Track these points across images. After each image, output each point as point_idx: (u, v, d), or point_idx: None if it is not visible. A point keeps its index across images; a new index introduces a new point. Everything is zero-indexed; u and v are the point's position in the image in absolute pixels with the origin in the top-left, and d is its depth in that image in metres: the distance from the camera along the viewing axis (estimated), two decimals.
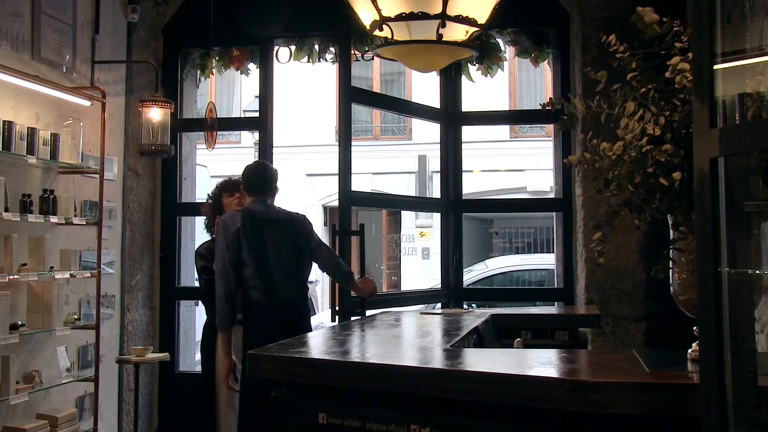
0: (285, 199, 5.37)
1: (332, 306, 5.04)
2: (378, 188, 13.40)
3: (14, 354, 3.85)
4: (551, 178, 6.21)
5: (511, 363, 2.31)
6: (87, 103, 4.57)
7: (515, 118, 10.95)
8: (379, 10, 2.86)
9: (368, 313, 4.54)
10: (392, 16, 2.86)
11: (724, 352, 1.47)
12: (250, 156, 11.52)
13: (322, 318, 8.26)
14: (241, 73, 5.66)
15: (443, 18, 2.82)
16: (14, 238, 3.87)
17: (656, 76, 2.10)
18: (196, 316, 5.76)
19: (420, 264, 14.21)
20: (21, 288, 4.02)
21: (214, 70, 5.55)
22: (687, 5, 2.00)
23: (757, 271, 1.65)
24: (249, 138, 13.54)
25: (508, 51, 5.66)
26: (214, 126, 5.37)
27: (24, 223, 3.92)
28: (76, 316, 4.44)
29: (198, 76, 5.70)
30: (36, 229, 4.13)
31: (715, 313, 1.47)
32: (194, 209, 5.47)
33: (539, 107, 2.60)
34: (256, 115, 5.68)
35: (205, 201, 4.55)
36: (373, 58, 5.15)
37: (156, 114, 4.75)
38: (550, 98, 5.41)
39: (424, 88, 9.58)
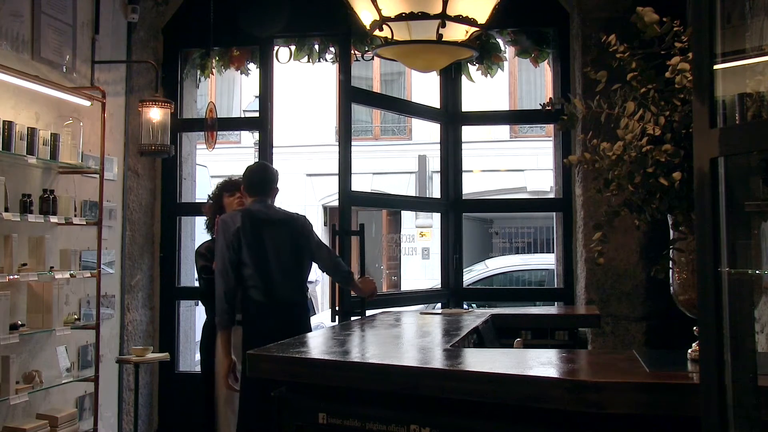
0: (285, 199, 5.37)
1: (332, 306, 5.04)
2: (378, 188, 13.40)
3: (14, 354, 3.85)
4: (551, 178, 6.21)
5: (511, 363, 2.31)
6: (87, 103, 4.57)
7: (515, 118, 10.95)
8: (379, 10, 2.86)
9: (368, 313, 4.54)
10: (392, 16, 2.86)
11: (724, 352, 1.47)
12: (250, 156, 11.52)
13: (322, 318, 8.26)
14: (241, 73, 5.66)
15: (443, 18, 2.82)
16: (14, 238, 3.87)
17: (656, 76, 2.10)
18: (196, 316, 5.76)
19: (420, 264, 14.21)
20: (21, 288, 4.02)
21: (214, 70, 5.55)
22: (687, 5, 2.01)
23: (757, 271, 1.65)
24: (249, 138, 13.54)
25: (508, 51, 5.66)
26: (215, 126, 5.37)
27: (24, 223, 3.92)
28: (76, 316, 4.44)
29: (198, 76, 5.70)
30: (36, 229, 4.13)
31: (715, 313, 1.47)
32: (194, 209, 5.47)
33: (539, 107, 2.60)
34: (256, 115, 5.68)
35: (205, 201, 4.55)
36: (373, 58, 5.15)
37: (156, 114, 4.75)
38: (550, 98, 5.42)
39: (424, 88, 9.58)
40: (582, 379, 1.91)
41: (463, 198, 5.70)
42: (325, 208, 14.54)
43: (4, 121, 3.79)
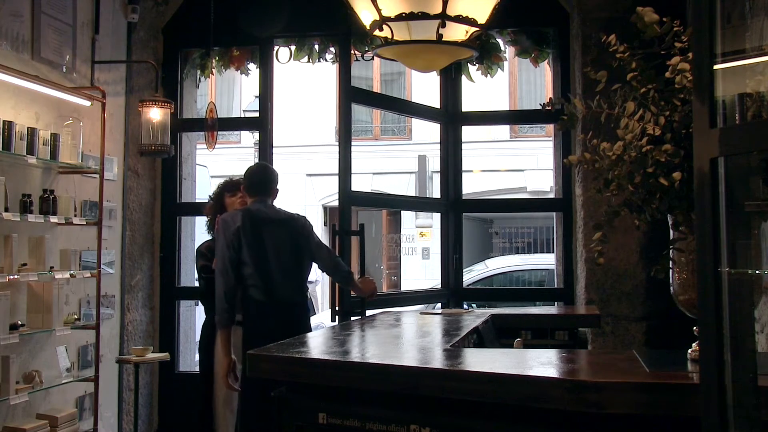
0: (285, 199, 5.36)
1: (332, 306, 5.04)
2: (378, 188, 13.40)
3: (14, 354, 3.85)
4: (551, 178, 6.21)
5: (511, 363, 2.31)
6: (87, 103, 4.57)
7: (515, 118, 10.94)
8: (379, 10, 2.86)
9: (368, 313, 4.54)
10: (392, 16, 2.86)
11: (724, 352, 1.47)
12: (250, 156, 11.53)
13: (322, 318, 8.26)
14: (241, 73, 5.66)
15: (443, 18, 2.82)
16: (14, 238, 3.87)
17: (656, 76, 2.10)
18: (196, 316, 5.76)
19: (420, 264, 14.21)
20: (21, 288, 4.02)
21: (214, 70, 5.55)
22: (687, 5, 2.01)
23: (757, 271, 1.65)
24: (249, 138, 13.54)
25: (508, 51, 5.66)
26: (215, 126, 5.37)
27: (24, 223, 3.92)
28: (76, 316, 4.44)
29: (198, 76, 5.70)
30: (36, 229, 4.13)
31: (715, 313, 1.47)
32: (194, 209, 5.47)
33: (539, 107, 2.60)
34: (256, 115, 5.68)
35: (206, 201, 4.55)
36: (373, 58, 5.15)
37: (156, 114, 4.75)
38: (550, 98, 5.42)
39: (424, 88, 9.58)
40: (582, 379, 1.91)
41: (463, 198, 5.70)
42: (325, 208, 14.54)
43: (4, 121, 3.79)
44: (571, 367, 2.23)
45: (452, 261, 5.53)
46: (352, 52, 5.11)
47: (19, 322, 3.91)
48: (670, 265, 2.12)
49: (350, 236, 4.89)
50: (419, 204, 9.17)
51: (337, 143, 5.02)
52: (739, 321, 1.52)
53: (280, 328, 3.49)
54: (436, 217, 8.92)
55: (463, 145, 5.62)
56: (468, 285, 7.47)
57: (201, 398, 4.24)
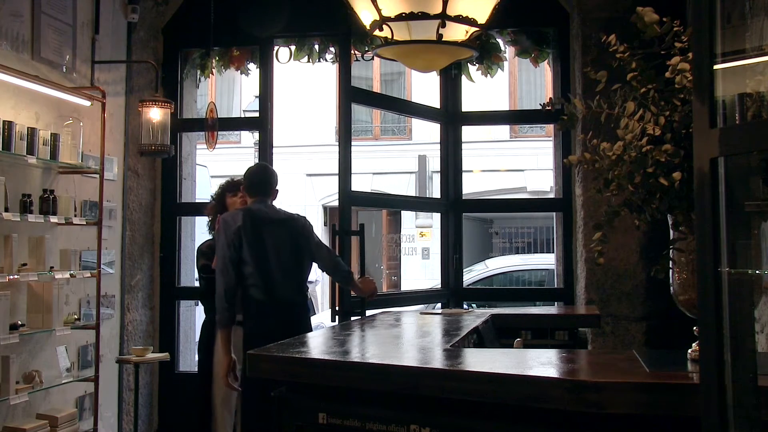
0: (285, 199, 5.37)
1: (332, 306, 5.04)
2: (378, 188, 13.40)
3: (14, 354, 3.85)
4: (551, 178, 6.21)
5: (511, 363, 2.31)
6: (87, 103, 4.57)
7: (515, 118, 10.94)
8: (379, 10, 2.86)
9: (368, 313, 4.54)
10: (392, 16, 2.86)
11: (724, 352, 1.47)
12: (250, 156, 11.53)
13: (322, 318, 8.26)
14: (241, 73, 5.66)
15: (443, 18, 2.82)
16: (14, 238, 3.87)
17: (656, 76, 2.10)
18: (196, 316, 5.76)
19: (420, 264, 14.21)
20: (21, 288, 4.02)
21: (214, 70, 5.55)
22: (687, 5, 2.01)
23: (757, 271, 1.65)
24: (249, 138, 13.54)
25: (508, 51, 5.65)
26: (215, 126, 5.37)
27: (24, 223, 3.92)
28: (76, 316, 4.44)
29: (198, 76, 5.70)
30: (36, 229, 4.13)
31: (715, 313, 1.47)
32: (194, 209, 5.47)
33: (539, 107, 2.60)
34: (256, 115, 5.68)
35: (207, 201, 4.56)
36: (373, 58, 5.15)
37: (156, 114, 4.75)
38: (550, 98, 5.42)
39: (424, 88, 9.58)
40: (582, 379, 1.91)
41: (463, 198, 5.70)
42: (325, 208, 14.54)
43: (4, 121, 3.79)
44: (571, 367, 2.23)
45: (452, 261, 5.53)
46: (352, 52, 5.11)
47: (19, 322, 3.92)
48: (670, 265, 2.12)
49: (350, 236, 4.89)
50: (419, 204, 9.17)
51: (337, 143, 5.02)
52: (739, 321, 1.52)
53: (280, 328, 3.49)
54: (436, 217, 8.92)
55: (463, 145, 5.62)
56: (468, 285, 7.47)
57: (200, 398, 4.24)
